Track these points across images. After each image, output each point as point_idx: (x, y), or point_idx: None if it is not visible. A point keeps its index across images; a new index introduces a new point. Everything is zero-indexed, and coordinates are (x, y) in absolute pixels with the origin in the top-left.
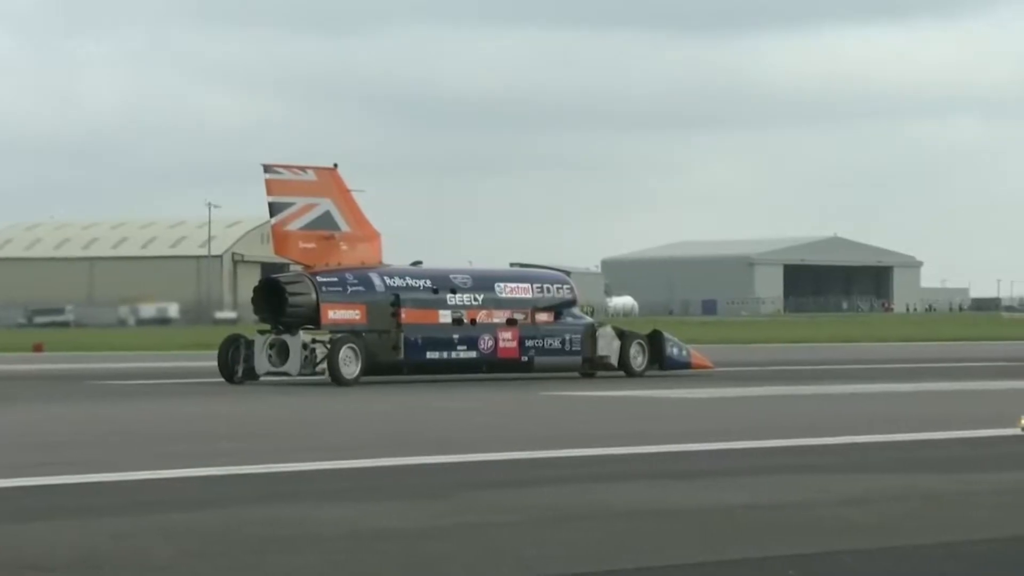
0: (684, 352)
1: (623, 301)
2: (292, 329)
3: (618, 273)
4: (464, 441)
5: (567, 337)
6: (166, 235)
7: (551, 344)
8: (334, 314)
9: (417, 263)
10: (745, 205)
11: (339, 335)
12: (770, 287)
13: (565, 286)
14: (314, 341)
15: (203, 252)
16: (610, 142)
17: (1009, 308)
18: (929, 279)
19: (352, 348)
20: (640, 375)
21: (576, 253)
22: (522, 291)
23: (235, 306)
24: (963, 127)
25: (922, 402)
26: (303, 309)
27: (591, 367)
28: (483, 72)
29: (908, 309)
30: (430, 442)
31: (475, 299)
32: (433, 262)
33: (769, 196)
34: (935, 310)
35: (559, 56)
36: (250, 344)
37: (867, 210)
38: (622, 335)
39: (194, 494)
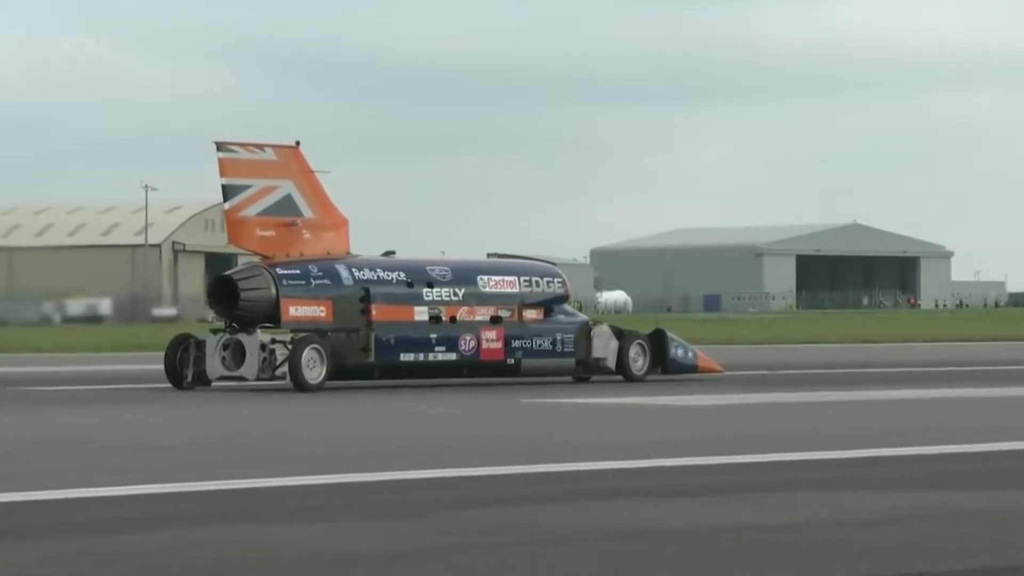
0: (690, 354)
1: (615, 296)
2: (248, 328)
3: (609, 265)
4: (440, 454)
5: (558, 337)
6: (96, 222)
7: (540, 344)
8: (296, 311)
9: (389, 253)
10: (752, 188)
11: (302, 334)
12: (781, 280)
13: (556, 279)
14: (273, 341)
15: (139, 241)
16: (599, 117)
17: None
18: (961, 271)
19: (316, 349)
20: (640, 379)
21: (562, 242)
22: (508, 285)
23: (175, 301)
24: (998, 101)
25: (954, 410)
26: (260, 305)
27: (586, 370)
28: (454, 38)
29: (937, 305)
30: (401, 455)
31: (455, 294)
32: (402, 253)
33: (780, 178)
34: (967, 306)
35: (539, 20)
36: (201, 345)
37: (890, 194)
38: (620, 335)
39: (135, 513)
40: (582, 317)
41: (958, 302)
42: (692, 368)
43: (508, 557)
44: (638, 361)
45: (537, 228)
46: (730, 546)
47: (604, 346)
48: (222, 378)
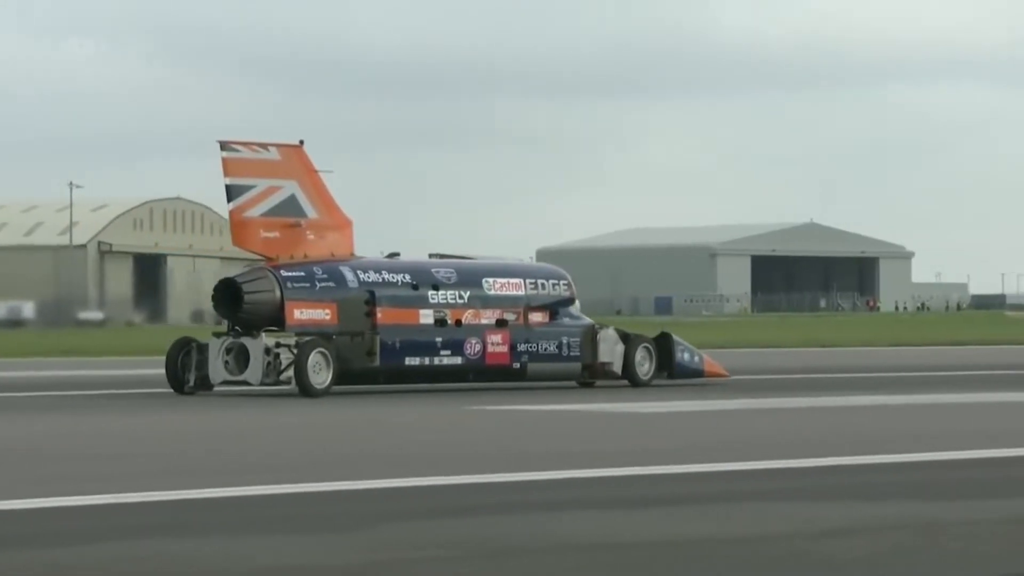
0: (696, 358)
1: None
2: (252, 331)
3: (557, 265)
4: (400, 462)
5: (564, 340)
6: (18, 221)
7: (546, 348)
8: (300, 314)
9: (394, 255)
10: (706, 186)
11: (307, 338)
12: (735, 282)
13: (562, 281)
14: (278, 345)
15: (63, 241)
16: (549, 111)
17: (1015, 306)
18: (922, 272)
19: (322, 353)
20: (647, 384)
21: (508, 241)
22: (513, 287)
23: (102, 304)
24: (961, 96)
25: (917, 417)
26: (264, 308)
27: (591, 375)
28: (399, 31)
29: (897, 308)
30: (359, 463)
31: (460, 297)
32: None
33: (734, 175)
34: (929, 309)
35: (490, 12)
36: (203, 348)
37: (849, 192)
38: (626, 338)
39: (70, 525)
40: (587, 320)
41: (919, 305)
42: (698, 372)
43: (455, 570)
44: (644, 365)
45: (482, 226)
46: (691, 559)
47: (610, 350)
48: (225, 383)
